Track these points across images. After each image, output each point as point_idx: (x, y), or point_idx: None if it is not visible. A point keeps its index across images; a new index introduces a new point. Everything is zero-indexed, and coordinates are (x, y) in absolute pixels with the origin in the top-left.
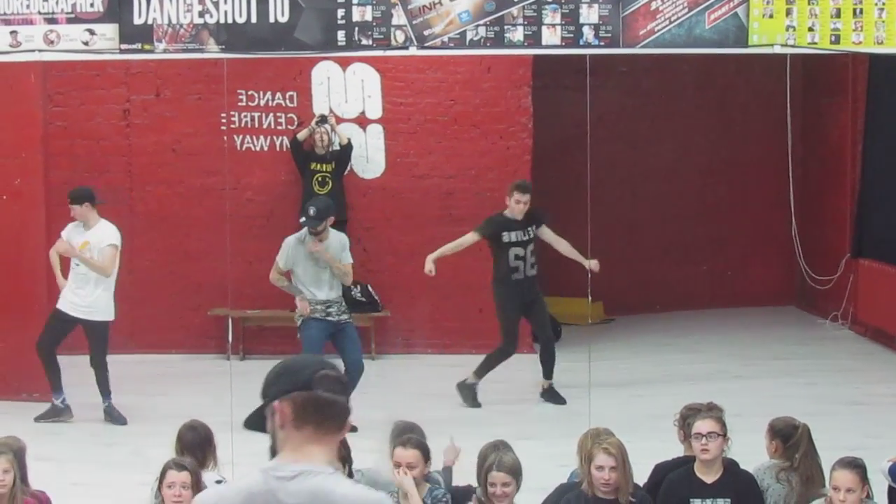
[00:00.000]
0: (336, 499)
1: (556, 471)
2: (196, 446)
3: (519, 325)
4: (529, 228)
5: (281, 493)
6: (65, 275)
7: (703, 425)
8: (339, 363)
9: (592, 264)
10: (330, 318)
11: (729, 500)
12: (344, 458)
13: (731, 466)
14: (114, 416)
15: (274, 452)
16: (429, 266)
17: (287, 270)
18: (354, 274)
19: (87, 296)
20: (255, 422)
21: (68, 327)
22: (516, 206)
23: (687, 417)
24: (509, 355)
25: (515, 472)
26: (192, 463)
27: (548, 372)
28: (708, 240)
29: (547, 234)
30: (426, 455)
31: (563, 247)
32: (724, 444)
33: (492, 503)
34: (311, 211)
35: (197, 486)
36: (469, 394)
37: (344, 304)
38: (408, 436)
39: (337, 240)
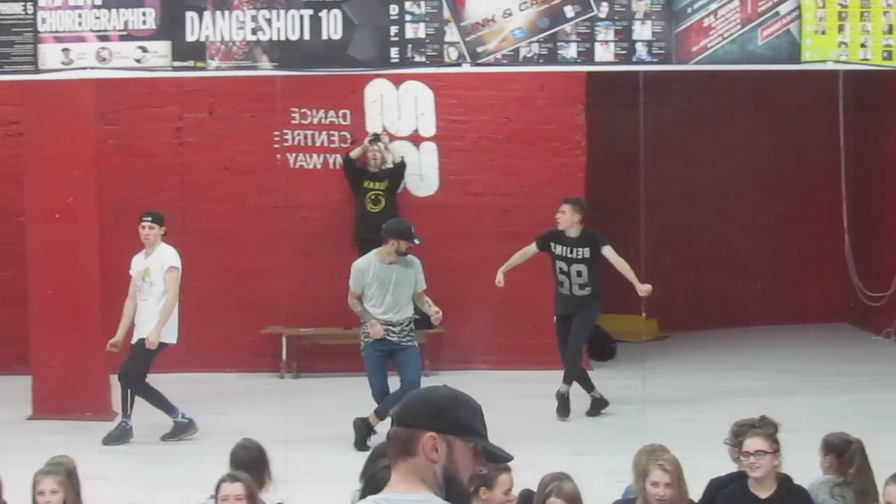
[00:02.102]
0: None
1: (611, 486)
2: (250, 466)
3: (565, 336)
4: (580, 249)
5: None
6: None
7: (750, 444)
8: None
9: (644, 288)
10: (390, 339)
11: None
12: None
13: (784, 482)
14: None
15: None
16: (499, 277)
17: (360, 293)
18: None
19: (145, 320)
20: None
21: None
22: (557, 216)
23: (738, 435)
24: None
25: (574, 500)
26: (247, 476)
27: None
28: (762, 257)
29: (609, 255)
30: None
31: (620, 266)
32: (776, 460)
33: None
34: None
35: (252, 498)
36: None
37: (409, 328)
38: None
39: (413, 265)
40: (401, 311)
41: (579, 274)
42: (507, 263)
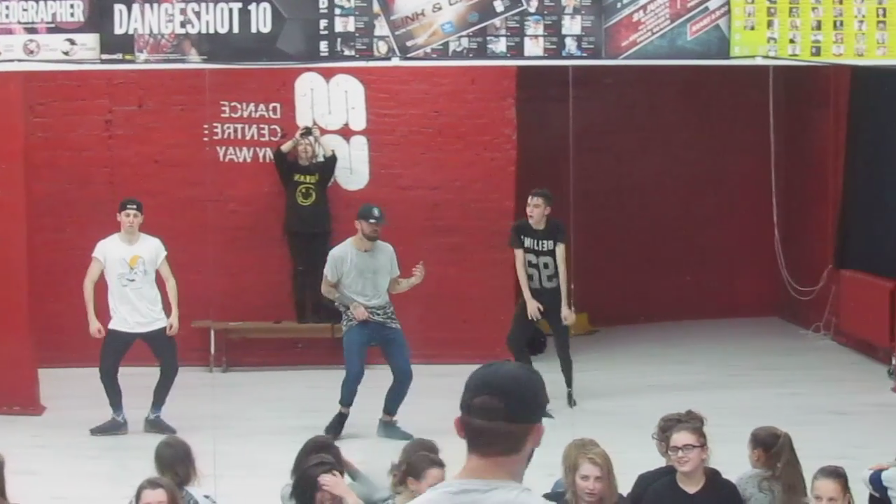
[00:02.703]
0: None
1: (542, 480)
2: (176, 463)
3: (522, 332)
4: (544, 241)
5: None
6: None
7: (678, 438)
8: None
9: (569, 317)
10: (375, 319)
11: None
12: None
13: (713, 476)
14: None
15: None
16: (535, 308)
17: (335, 282)
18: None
19: (148, 309)
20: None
21: (128, 346)
22: (529, 210)
23: (665, 430)
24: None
25: None
26: (168, 481)
27: (567, 379)
28: (692, 251)
29: (558, 253)
30: None
31: (560, 273)
32: (704, 454)
33: None
34: (376, 212)
35: (174, 503)
36: None
37: (390, 310)
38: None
39: (387, 252)
40: (381, 296)
41: (546, 266)
42: (524, 287)
